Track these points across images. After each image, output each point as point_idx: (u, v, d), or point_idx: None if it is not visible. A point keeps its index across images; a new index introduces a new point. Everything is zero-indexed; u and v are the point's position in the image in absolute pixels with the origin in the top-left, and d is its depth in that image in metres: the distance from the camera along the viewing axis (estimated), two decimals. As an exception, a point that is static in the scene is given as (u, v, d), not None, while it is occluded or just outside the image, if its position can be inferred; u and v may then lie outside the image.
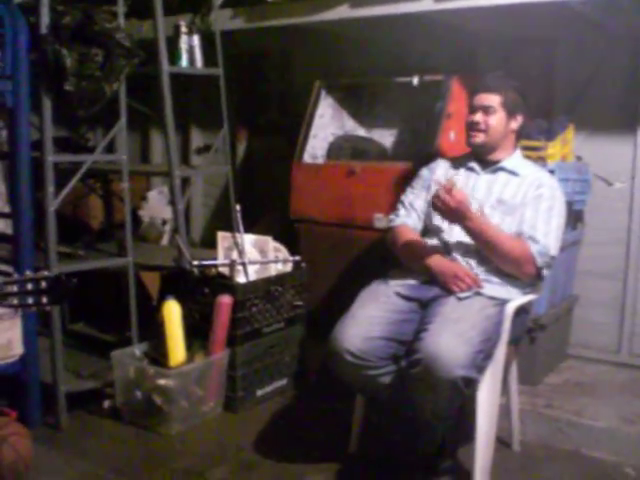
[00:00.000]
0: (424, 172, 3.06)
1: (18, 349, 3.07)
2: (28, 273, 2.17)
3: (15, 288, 2.13)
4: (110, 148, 3.90)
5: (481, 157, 2.93)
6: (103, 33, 3.21)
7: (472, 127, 2.86)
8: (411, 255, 2.87)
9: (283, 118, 4.57)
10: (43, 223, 3.17)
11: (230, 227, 3.68)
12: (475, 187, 2.89)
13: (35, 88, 3.10)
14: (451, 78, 3.55)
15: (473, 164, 2.94)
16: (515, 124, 2.86)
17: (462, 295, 2.67)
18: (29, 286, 2.14)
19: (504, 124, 2.84)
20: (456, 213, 2.66)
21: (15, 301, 2.13)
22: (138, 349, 3.45)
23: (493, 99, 2.82)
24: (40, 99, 3.14)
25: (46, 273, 2.20)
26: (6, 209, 3.95)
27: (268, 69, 4.71)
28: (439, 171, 3.01)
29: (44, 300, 2.16)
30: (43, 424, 3.23)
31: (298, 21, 3.69)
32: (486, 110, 2.83)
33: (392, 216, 3.05)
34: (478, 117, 2.84)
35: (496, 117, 2.82)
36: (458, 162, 3.01)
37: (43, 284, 2.15)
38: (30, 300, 2.14)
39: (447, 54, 3.93)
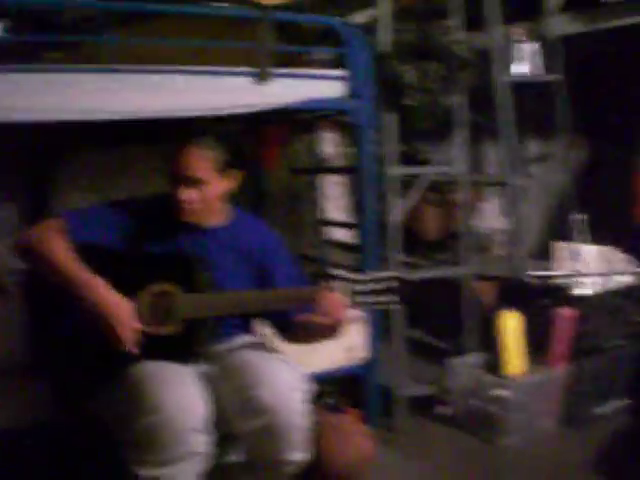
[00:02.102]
0: None
1: (362, 352, 3.23)
2: (373, 273, 2.26)
3: (361, 287, 2.23)
4: (445, 160, 3.97)
5: None
6: (440, 47, 3.29)
7: None
8: None
9: (624, 123, 4.32)
10: (384, 233, 3.30)
11: (566, 237, 3.57)
12: None
13: (377, 105, 3.25)
14: None
15: None
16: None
17: None
18: (374, 286, 2.22)
19: None
20: None
21: (361, 300, 2.22)
22: (474, 358, 3.47)
23: None
24: (381, 115, 3.28)
25: (389, 273, 2.27)
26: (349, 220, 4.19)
27: (606, 73, 4.49)
28: None
29: (386, 299, 2.22)
30: (380, 426, 3.33)
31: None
32: None
33: None
34: None
35: None
36: None
37: (386, 284, 2.23)
38: (374, 299, 2.23)
39: None
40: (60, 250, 2.21)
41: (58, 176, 3.50)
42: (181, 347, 2.23)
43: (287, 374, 2.20)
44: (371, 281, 2.21)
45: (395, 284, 2.21)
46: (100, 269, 2.19)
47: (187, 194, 2.26)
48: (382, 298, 2.21)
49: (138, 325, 2.17)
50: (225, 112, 2.80)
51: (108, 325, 2.14)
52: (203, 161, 2.25)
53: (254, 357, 2.27)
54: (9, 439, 2.28)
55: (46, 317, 2.32)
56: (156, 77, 2.75)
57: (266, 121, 3.65)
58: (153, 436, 2.02)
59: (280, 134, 3.97)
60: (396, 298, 2.21)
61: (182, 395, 2.07)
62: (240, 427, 2.20)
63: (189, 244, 2.34)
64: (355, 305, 2.22)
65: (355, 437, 2.85)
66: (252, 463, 2.29)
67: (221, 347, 2.38)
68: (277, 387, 2.15)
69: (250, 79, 2.87)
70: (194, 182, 2.25)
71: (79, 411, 2.37)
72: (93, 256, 2.22)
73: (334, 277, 3.63)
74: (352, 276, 2.24)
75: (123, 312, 2.15)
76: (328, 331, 2.24)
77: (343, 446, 2.79)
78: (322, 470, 2.66)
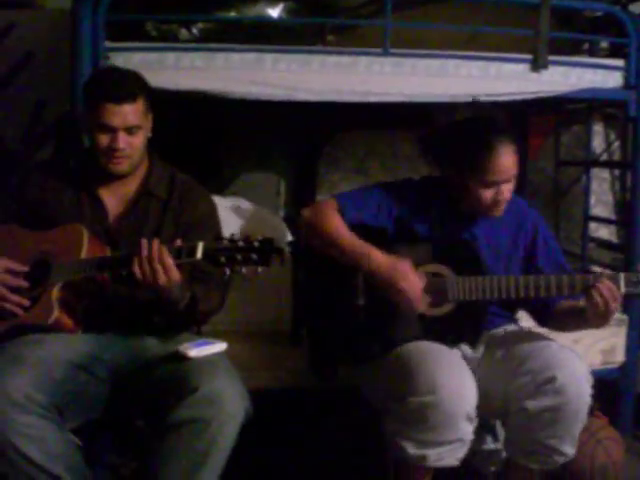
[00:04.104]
0: None
1: (619, 356, 3.10)
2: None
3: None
4: None
5: None
6: None
7: None
8: None
9: None
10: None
11: None
12: None
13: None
14: None
15: None
16: None
17: None
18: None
19: None
20: None
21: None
22: None
23: None
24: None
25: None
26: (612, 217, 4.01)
27: None
28: None
29: None
30: (632, 435, 3.19)
31: None
32: None
33: None
34: None
35: None
36: None
37: None
38: None
39: None
40: (338, 226, 2.33)
41: (324, 156, 3.66)
42: (451, 329, 2.29)
43: (581, 362, 2.21)
44: None
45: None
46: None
47: (508, 192, 2.29)
48: None
49: (420, 282, 2.25)
50: (499, 99, 2.79)
51: (395, 287, 2.23)
52: (515, 159, 2.28)
53: (545, 342, 2.27)
54: (269, 399, 2.42)
55: (312, 288, 2.46)
56: (430, 62, 2.78)
57: (534, 109, 3.57)
58: (426, 416, 2.08)
59: (547, 123, 3.87)
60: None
61: (458, 379, 2.12)
62: (524, 407, 2.18)
63: (461, 228, 2.38)
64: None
65: (606, 442, 2.75)
66: (514, 448, 2.30)
67: (489, 333, 2.41)
68: (575, 372, 2.16)
69: (525, 66, 2.83)
70: (511, 180, 2.29)
71: (333, 379, 2.49)
72: (363, 235, 2.32)
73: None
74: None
75: (407, 269, 2.24)
76: (596, 321, 2.22)
77: (594, 450, 2.70)
78: (570, 470, 2.60)
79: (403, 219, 2.38)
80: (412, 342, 2.25)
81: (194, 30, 2.78)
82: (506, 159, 2.24)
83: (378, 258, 2.25)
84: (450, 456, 2.14)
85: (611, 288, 2.15)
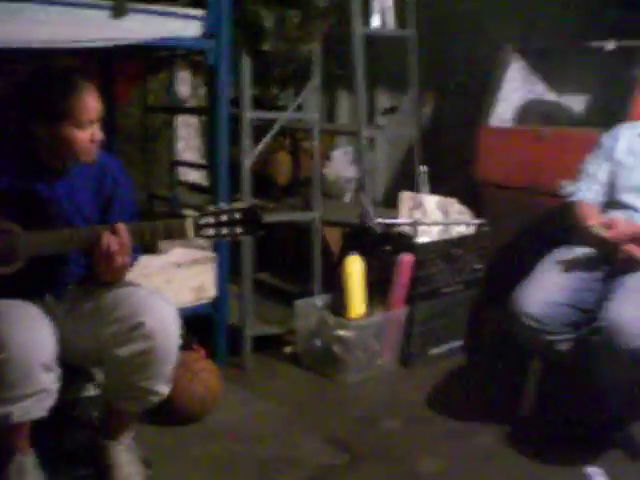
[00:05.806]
0: (606, 140, 2.95)
1: (211, 292, 3.28)
2: (223, 205, 2.28)
3: (211, 220, 2.23)
4: (298, 107, 4.03)
5: None
6: (300, -6, 3.32)
7: None
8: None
9: (471, 81, 4.52)
10: (237, 176, 3.34)
11: (412, 188, 3.73)
12: None
13: (234, 48, 3.24)
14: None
15: None
16: None
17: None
18: (224, 217, 2.23)
19: None
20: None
21: (211, 232, 2.23)
22: (320, 300, 3.58)
23: None
24: (238, 58, 3.29)
25: (240, 205, 2.29)
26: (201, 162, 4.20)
27: (457, 31, 4.65)
28: (622, 141, 2.90)
29: (239, 231, 2.24)
30: (228, 364, 3.41)
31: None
32: None
33: (572, 188, 2.95)
34: None
35: None
36: None
37: (237, 215, 2.24)
38: (225, 231, 2.24)
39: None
40: None
41: None
42: (27, 285, 2.22)
43: (168, 305, 2.29)
44: (217, 213, 2.23)
45: (242, 216, 2.23)
46: None
47: (100, 134, 2.28)
48: (227, 230, 2.23)
49: None
50: (80, 45, 2.72)
51: None
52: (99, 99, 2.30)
53: (131, 289, 2.32)
54: None
55: None
56: (12, 5, 2.60)
57: (121, 56, 3.57)
58: (2, 374, 2.03)
59: (134, 70, 3.90)
60: (246, 229, 2.24)
61: (29, 333, 2.08)
62: (115, 355, 2.22)
63: (40, 183, 2.30)
64: (202, 237, 2.26)
65: (202, 374, 2.92)
66: (112, 395, 2.35)
67: (78, 286, 2.40)
68: (162, 315, 2.24)
69: (105, 13, 2.78)
70: (99, 121, 2.28)
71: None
72: None
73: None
74: (203, 209, 2.25)
75: None
76: (102, 276, 2.30)
77: (191, 382, 2.85)
78: (170, 405, 2.72)
79: None
80: None
81: None
82: (94, 98, 2.26)
83: None
84: (36, 409, 2.11)
85: (108, 242, 2.17)
